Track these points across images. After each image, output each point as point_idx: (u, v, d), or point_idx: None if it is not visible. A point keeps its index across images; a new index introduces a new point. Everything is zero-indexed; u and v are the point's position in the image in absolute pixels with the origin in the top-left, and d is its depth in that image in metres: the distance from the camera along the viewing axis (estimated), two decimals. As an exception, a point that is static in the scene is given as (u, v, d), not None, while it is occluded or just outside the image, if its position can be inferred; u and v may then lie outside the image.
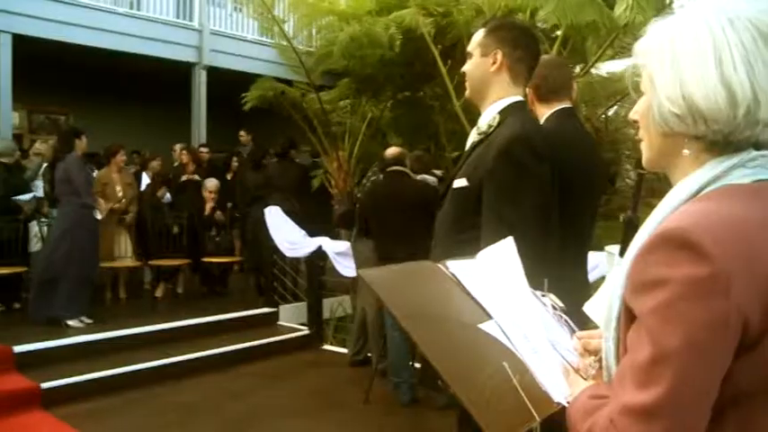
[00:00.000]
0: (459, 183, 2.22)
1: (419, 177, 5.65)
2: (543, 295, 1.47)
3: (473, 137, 2.31)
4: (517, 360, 1.25)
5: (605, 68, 8.43)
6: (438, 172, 6.54)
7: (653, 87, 1.08)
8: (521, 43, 2.28)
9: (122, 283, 8.23)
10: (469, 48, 2.36)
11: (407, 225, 5.04)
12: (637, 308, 0.98)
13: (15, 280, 7.52)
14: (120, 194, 7.92)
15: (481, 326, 1.30)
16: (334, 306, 8.00)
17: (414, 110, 9.19)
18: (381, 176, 5.60)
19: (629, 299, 1.00)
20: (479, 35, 2.32)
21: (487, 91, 2.29)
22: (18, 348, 5.71)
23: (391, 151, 5.49)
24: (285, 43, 9.54)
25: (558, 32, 7.06)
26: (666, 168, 1.13)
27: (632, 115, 1.17)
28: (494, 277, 1.45)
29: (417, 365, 5.45)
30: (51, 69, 10.93)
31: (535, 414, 1.16)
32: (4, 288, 7.40)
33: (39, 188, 8.16)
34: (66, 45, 9.71)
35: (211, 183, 8.86)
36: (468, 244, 2.06)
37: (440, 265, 1.46)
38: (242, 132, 11.19)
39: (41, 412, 5.09)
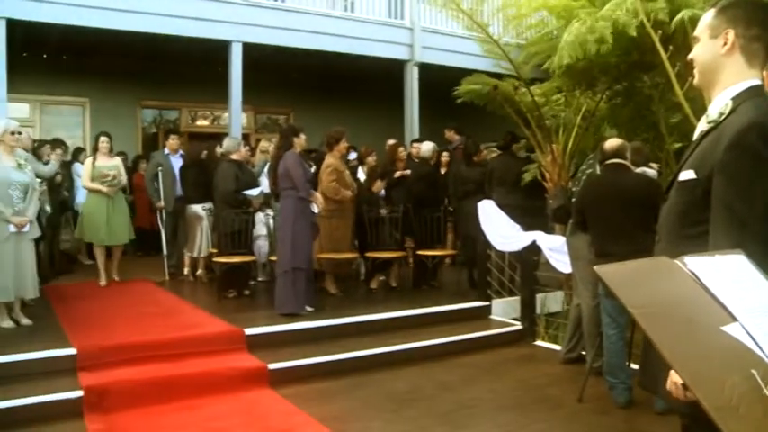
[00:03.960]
0: (686, 175, 2.06)
1: (638, 170, 5.38)
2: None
3: (702, 126, 2.14)
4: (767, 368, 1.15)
5: None
6: (655, 165, 6.21)
7: None
8: (756, 20, 2.03)
9: (341, 275, 8.54)
10: (696, 32, 2.18)
11: (627, 220, 4.83)
12: None
13: (246, 268, 8.09)
14: (350, 180, 8.23)
15: (725, 328, 1.21)
16: (545, 301, 7.88)
17: (631, 100, 8.80)
18: (600, 169, 5.40)
19: None
20: (708, 16, 2.14)
21: (718, 76, 2.09)
22: (249, 331, 6.18)
23: (611, 143, 5.24)
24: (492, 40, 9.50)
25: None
26: None
27: None
28: (735, 276, 1.35)
29: (634, 366, 5.23)
30: (274, 72, 11.66)
31: (789, 430, 1.06)
32: (236, 275, 7.98)
33: (265, 184, 8.73)
34: (287, 49, 10.32)
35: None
36: (696, 240, 1.93)
37: (677, 262, 1.38)
38: (446, 130, 11.30)
39: (268, 390, 5.48)
